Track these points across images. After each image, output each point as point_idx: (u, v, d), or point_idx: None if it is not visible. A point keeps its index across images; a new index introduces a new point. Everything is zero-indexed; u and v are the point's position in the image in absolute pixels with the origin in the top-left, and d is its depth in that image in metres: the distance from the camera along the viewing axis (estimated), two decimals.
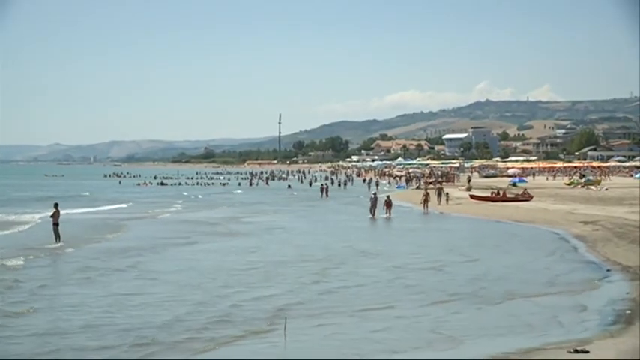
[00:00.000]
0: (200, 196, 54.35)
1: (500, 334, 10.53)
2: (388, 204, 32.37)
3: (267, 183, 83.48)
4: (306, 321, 11.09)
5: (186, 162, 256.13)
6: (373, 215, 31.96)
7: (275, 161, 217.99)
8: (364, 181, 78.84)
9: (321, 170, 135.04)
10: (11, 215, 32.14)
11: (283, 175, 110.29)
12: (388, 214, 32.05)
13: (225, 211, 36.39)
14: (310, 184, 71.88)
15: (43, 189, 65.28)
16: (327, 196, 51.20)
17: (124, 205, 39.15)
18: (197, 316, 11.34)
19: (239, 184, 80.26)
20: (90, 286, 14.07)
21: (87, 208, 36.93)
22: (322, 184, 55.00)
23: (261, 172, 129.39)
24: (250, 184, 77.48)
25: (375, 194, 33.47)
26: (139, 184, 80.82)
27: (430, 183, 60.44)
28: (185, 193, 56.44)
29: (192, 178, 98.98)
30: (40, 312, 11.49)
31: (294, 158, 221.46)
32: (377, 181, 68.50)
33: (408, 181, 71.76)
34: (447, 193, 42.85)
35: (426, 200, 35.74)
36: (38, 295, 12.91)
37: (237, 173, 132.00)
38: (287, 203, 45.87)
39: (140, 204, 42.96)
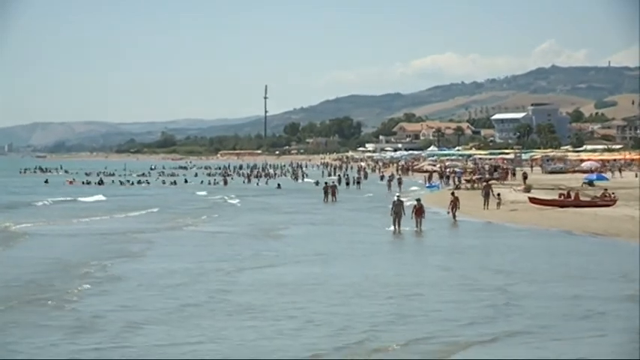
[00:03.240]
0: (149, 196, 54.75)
1: None
2: (418, 211, 32.64)
3: (248, 180, 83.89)
4: None
5: (136, 152, 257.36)
6: (397, 228, 32.29)
7: (259, 151, 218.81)
8: (382, 178, 79.55)
9: (322, 163, 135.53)
10: None
11: (271, 171, 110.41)
12: (418, 227, 32.30)
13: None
14: (317, 183, 71.82)
15: None
16: (334, 199, 51.95)
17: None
18: None
19: (202, 183, 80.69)
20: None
21: None
22: (327, 183, 55.32)
23: (240, 167, 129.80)
24: (225, 183, 78.02)
25: (398, 198, 33.54)
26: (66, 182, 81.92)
27: (474, 181, 60.82)
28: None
29: (144, 175, 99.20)
30: None
31: (286, 147, 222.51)
32: (399, 179, 68.65)
33: (444, 177, 72.11)
34: (499, 195, 43.13)
35: (454, 207, 36.41)
36: None
37: (206, 168, 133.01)
38: (275, 209, 46.17)
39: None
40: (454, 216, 36.40)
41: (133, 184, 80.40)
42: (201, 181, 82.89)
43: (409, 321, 15.06)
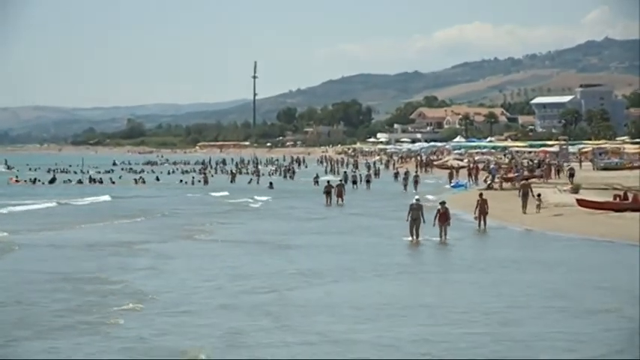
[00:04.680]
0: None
1: None
2: (443, 217, 32.77)
3: (232, 179, 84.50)
4: None
5: (96, 143, 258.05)
6: (415, 237, 32.43)
7: (247, 142, 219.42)
8: (395, 176, 79.99)
9: (324, 157, 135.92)
10: None
11: (261, 167, 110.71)
12: (443, 236, 32.49)
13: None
14: (317, 182, 72.67)
15: None
16: (339, 200, 52.46)
17: None
18: None
19: (181, 182, 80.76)
20: None
21: None
22: (329, 183, 55.52)
23: (223, 161, 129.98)
24: (206, 182, 78.49)
25: (417, 201, 33.66)
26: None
27: (509, 179, 60.97)
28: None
29: (108, 172, 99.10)
30: None
31: (280, 137, 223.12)
32: (416, 177, 68.42)
33: (472, 175, 72.17)
34: (539, 195, 43.32)
35: (481, 210, 36.63)
36: None
37: (180, 163, 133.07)
38: (271, 214, 46.35)
39: None
40: (481, 222, 36.60)
41: (95, 182, 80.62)
42: (181, 180, 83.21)
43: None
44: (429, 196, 51.80)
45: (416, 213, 32.46)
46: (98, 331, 16.98)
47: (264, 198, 58.08)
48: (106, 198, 58.10)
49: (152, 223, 41.22)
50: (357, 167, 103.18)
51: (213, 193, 63.18)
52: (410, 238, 32.20)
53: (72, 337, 16.53)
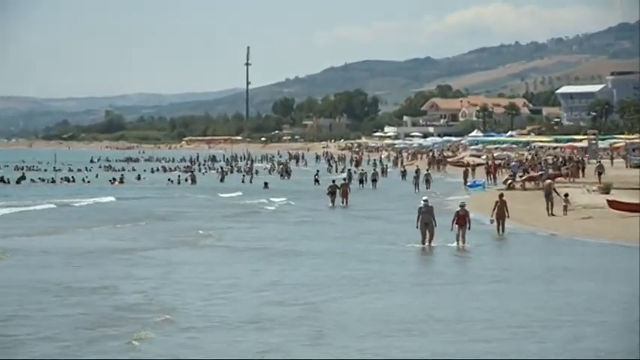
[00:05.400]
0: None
1: None
2: (462, 219, 32.89)
3: (222, 178, 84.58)
4: None
5: (71, 138, 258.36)
6: (428, 243, 32.60)
7: (239, 137, 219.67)
8: (403, 174, 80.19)
9: (325, 153, 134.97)
10: None
11: (256, 164, 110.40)
12: (460, 242, 32.63)
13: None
14: (317, 180, 72.73)
15: None
16: (344, 201, 52.76)
17: None
18: None
19: (170, 181, 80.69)
20: None
21: None
22: (334, 183, 55.60)
23: (213, 158, 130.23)
24: (193, 181, 78.40)
25: (426, 202, 33.51)
26: None
27: (532, 179, 60.95)
28: None
29: (85, 169, 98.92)
30: None
31: (276, 131, 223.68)
32: (427, 175, 68.80)
33: (491, 173, 72.09)
34: (566, 196, 43.28)
35: (500, 213, 36.71)
36: None
37: (164, 160, 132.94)
38: (272, 217, 47.18)
39: None
40: (500, 226, 36.61)
41: (68, 181, 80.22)
42: (169, 179, 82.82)
43: None
44: (451, 198, 52.36)
45: (427, 217, 32.54)
46: (129, 347, 17.31)
47: (280, 200, 58.36)
48: (110, 199, 59.26)
49: (161, 226, 41.99)
50: (357, 165, 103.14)
51: (224, 194, 63.69)
52: (422, 245, 32.28)
53: (102, 352, 16.92)
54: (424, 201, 33.65)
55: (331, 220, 45.30)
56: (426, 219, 32.44)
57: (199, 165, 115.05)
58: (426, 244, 32.30)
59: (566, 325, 19.16)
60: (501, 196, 37.99)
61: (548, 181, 48.59)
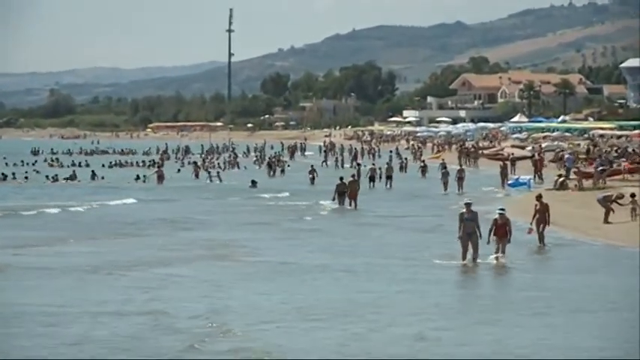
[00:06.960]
0: None
1: None
2: (501, 229, 30.94)
3: (196, 174, 79.24)
4: None
5: (6, 124, 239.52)
6: (471, 259, 30.57)
7: (219, 122, 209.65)
8: (422, 170, 75.73)
9: (329, 142, 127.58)
10: None
11: (247, 158, 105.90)
12: (499, 254, 30.86)
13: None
14: (313, 180, 69.07)
15: None
16: (352, 204, 50.77)
17: None
18: None
19: (137, 179, 74.76)
20: None
21: None
22: (342, 181, 52.37)
23: (186, 150, 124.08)
24: (160, 180, 72.05)
25: (469, 207, 31.06)
26: None
27: (589, 175, 57.53)
28: None
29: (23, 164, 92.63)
30: None
31: (266, 116, 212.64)
32: (460, 171, 63.28)
33: (538, 168, 68.41)
34: (633, 197, 40.68)
35: (540, 219, 35.06)
36: None
37: (121, 153, 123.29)
38: (267, 222, 44.43)
39: None
40: (539, 236, 34.78)
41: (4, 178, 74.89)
42: (137, 177, 75.60)
43: None
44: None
45: (470, 225, 30.40)
46: None
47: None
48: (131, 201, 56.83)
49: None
50: (355, 158, 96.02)
51: (265, 195, 60.51)
52: (463, 262, 30.41)
53: None
54: (466, 204, 31.57)
55: (337, 231, 42.05)
56: (469, 228, 30.38)
57: (170, 159, 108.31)
58: (469, 259, 30.36)
59: None
60: (540, 198, 36.12)
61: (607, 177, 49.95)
